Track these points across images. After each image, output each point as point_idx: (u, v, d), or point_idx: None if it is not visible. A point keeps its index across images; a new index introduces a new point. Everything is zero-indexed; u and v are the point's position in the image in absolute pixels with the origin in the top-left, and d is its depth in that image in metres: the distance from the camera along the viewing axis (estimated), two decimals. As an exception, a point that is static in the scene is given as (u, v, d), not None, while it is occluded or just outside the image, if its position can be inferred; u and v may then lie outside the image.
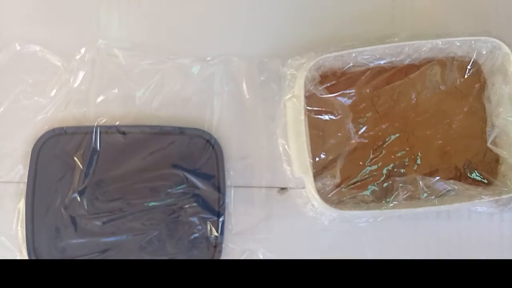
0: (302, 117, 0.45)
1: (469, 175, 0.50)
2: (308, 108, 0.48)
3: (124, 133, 0.51)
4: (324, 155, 0.49)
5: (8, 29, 0.53)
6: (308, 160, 0.45)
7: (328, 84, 0.49)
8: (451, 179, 0.49)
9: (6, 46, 0.52)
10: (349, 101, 0.49)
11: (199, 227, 0.50)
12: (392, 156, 0.50)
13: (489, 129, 0.49)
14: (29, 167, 0.50)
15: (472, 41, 0.47)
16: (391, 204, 0.47)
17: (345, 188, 0.49)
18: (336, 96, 0.49)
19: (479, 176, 0.50)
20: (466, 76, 0.50)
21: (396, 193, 0.48)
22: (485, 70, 0.50)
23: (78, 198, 0.50)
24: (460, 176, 0.50)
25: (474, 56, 0.49)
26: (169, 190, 0.50)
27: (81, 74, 0.51)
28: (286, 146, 0.49)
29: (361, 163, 0.50)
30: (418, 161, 0.50)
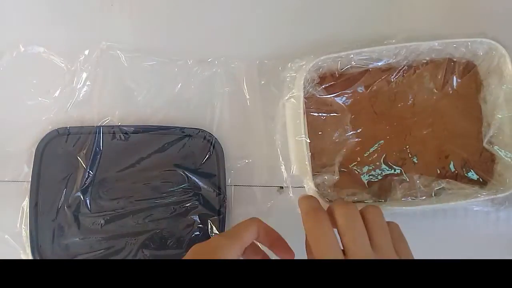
0: (301, 117, 0.45)
1: (465, 174, 0.50)
2: (307, 108, 0.48)
3: (126, 133, 0.51)
4: (322, 154, 0.50)
5: (12, 31, 0.53)
6: (307, 159, 0.45)
7: (327, 85, 0.49)
8: (447, 178, 0.49)
9: (10, 47, 0.52)
10: (347, 102, 0.50)
11: (200, 225, 0.51)
12: (390, 156, 0.50)
13: (485, 129, 0.49)
14: (33, 167, 0.50)
15: (469, 43, 0.47)
16: (388, 203, 0.48)
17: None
18: (334, 96, 0.49)
19: (475, 175, 0.50)
20: (462, 77, 0.50)
21: (393, 192, 0.48)
22: (481, 71, 0.50)
23: (81, 197, 0.50)
24: (457, 175, 0.50)
25: (471, 57, 0.49)
26: (171, 189, 0.51)
27: (84, 75, 0.52)
28: (285, 146, 0.49)
29: (359, 162, 0.50)
30: (415, 160, 0.50)
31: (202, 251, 0.35)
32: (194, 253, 0.35)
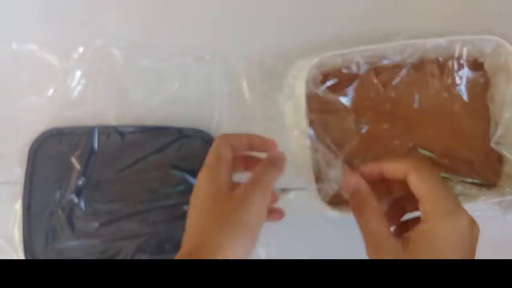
0: (303, 116, 0.45)
1: (472, 175, 0.49)
2: (309, 107, 0.48)
3: (122, 133, 0.51)
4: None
5: (5, 28, 0.53)
6: (309, 160, 0.44)
7: (330, 84, 0.49)
8: (454, 179, 0.49)
9: (3, 44, 0.52)
10: (350, 101, 0.49)
11: (198, 228, 0.50)
12: (394, 156, 0.49)
13: (492, 129, 0.49)
14: (26, 168, 0.50)
15: (475, 40, 0.47)
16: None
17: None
18: (337, 95, 0.49)
19: (482, 176, 0.49)
20: (469, 75, 0.49)
21: (398, 193, 0.47)
22: (489, 69, 0.49)
23: (76, 199, 0.50)
24: (463, 176, 0.49)
25: (477, 54, 0.49)
26: (168, 191, 0.50)
27: (78, 74, 0.51)
28: (286, 147, 0.48)
29: (362, 161, 0.49)
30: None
31: (196, 190, 0.36)
32: (193, 197, 0.36)
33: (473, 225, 0.33)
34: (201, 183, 0.36)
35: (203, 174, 0.36)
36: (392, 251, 0.33)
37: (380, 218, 0.34)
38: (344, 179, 0.38)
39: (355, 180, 0.37)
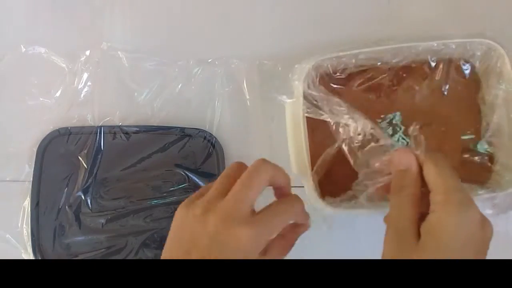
0: (301, 117, 0.45)
1: (464, 174, 0.50)
2: (306, 108, 0.48)
3: (127, 133, 0.51)
4: (322, 154, 0.50)
5: (14, 31, 0.54)
6: (306, 159, 0.45)
7: (326, 85, 0.49)
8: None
9: (12, 48, 0.53)
10: (346, 102, 0.50)
11: (200, 224, 0.51)
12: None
13: (484, 129, 0.49)
14: (34, 166, 0.51)
15: (467, 43, 0.47)
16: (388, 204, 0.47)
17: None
18: (333, 96, 0.49)
19: (473, 175, 0.50)
20: (461, 77, 0.50)
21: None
22: (480, 71, 0.50)
23: (82, 196, 0.51)
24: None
25: (469, 57, 0.49)
26: (171, 189, 0.51)
27: (85, 76, 0.52)
28: (285, 146, 0.49)
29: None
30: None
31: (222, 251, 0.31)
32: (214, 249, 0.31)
33: (485, 222, 0.31)
34: (236, 244, 0.31)
35: (245, 240, 0.31)
36: (407, 241, 0.32)
37: (415, 207, 0.32)
38: (395, 153, 0.35)
39: (408, 158, 0.34)
